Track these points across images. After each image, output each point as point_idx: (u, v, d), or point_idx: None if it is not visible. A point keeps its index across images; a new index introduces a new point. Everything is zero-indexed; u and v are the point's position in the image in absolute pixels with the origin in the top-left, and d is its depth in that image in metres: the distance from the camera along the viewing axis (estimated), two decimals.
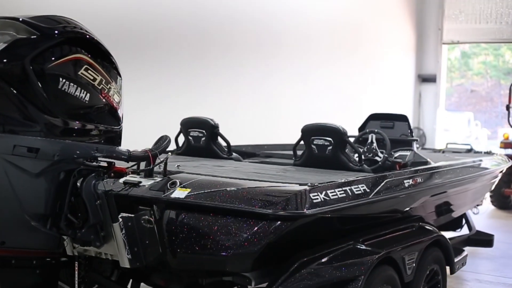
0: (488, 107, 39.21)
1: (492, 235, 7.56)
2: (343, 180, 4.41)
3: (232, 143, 7.41)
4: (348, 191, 4.31)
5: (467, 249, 7.85)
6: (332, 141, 5.19)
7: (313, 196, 3.99)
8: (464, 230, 7.69)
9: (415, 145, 6.18)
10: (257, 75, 10.84)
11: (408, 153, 6.01)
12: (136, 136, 8.08)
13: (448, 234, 7.63)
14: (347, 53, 13.13)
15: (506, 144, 12.47)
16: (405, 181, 4.95)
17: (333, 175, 4.83)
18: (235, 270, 3.99)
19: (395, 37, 15.08)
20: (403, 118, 6.42)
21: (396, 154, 6.05)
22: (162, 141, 4.43)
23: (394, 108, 14.61)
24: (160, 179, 4.29)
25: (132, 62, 8.48)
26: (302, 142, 5.45)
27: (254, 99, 10.73)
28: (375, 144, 5.96)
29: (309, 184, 4.08)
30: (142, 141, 4.90)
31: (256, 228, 3.82)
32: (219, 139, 6.06)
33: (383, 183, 4.67)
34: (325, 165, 5.25)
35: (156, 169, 4.35)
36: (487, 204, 12.30)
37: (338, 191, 4.23)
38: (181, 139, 6.19)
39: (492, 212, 12.30)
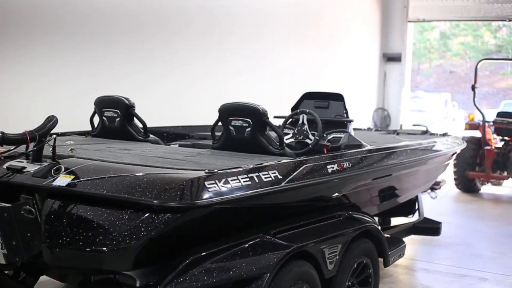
0: (467, 88, 38.87)
1: (439, 223, 7.12)
2: (250, 166, 3.93)
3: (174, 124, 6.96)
4: (255, 178, 3.83)
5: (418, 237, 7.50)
6: (251, 122, 4.71)
7: (209, 184, 3.52)
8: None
9: (351, 127, 5.70)
10: (208, 57, 10.28)
11: (342, 135, 5.55)
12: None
13: (395, 222, 7.29)
14: (307, 31, 12.59)
15: (471, 126, 12.06)
16: (328, 167, 4.48)
17: (248, 160, 4.36)
18: (114, 268, 3.53)
19: (359, 15, 14.54)
20: (339, 98, 5.92)
21: (330, 137, 5.60)
22: (47, 122, 4.00)
23: (357, 88, 14.17)
24: (46, 164, 3.84)
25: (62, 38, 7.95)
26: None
27: (201, 81, 10.19)
28: (306, 126, 5.48)
29: (207, 171, 3.61)
30: None
31: (136, 221, 3.36)
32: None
33: (300, 169, 4.20)
34: (244, 149, 4.77)
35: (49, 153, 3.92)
36: (452, 187, 11.93)
37: (242, 178, 3.76)
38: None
39: (456, 196, 11.91)
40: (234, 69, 10.82)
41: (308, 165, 4.30)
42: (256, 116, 4.69)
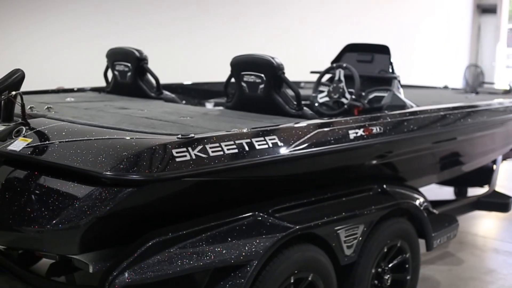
0: None
1: (509, 197, 6.15)
2: (243, 130, 3.25)
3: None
4: (245, 145, 3.16)
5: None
6: (264, 78, 4.01)
7: (178, 152, 2.89)
8: None
9: (396, 84, 4.85)
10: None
11: (385, 94, 4.75)
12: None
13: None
14: None
15: None
16: (350, 132, 3.73)
17: (255, 122, 3.69)
18: (57, 251, 2.97)
19: None
20: (384, 50, 5.07)
21: (371, 96, 4.81)
22: (9, 76, 3.44)
23: (447, 42, 12.95)
24: (13, 124, 3.33)
25: None
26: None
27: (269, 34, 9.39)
28: (343, 83, 4.71)
29: (179, 136, 2.98)
30: None
31: (82, 196, 2.78)
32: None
33: (309, 135, 3.47)
34: (258, 108, 4.10)
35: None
36: None
37: (227, 145, 3.09)
38: None
39: None
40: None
41: (321, 130, 3.56)
42: (270, 70, 3.99)
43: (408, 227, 4.12)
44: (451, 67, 12.83)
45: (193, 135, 3.02)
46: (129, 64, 4.77)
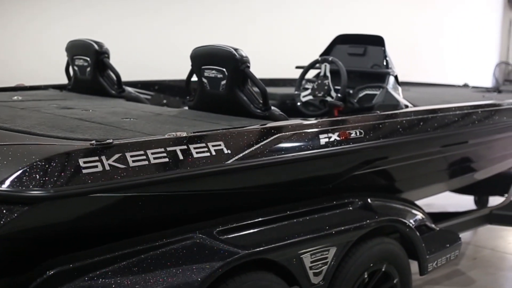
0: None
1: None
2: (181, 134, 2.70)
3: None
4: (179, 153, 2.61)
5: None
6: (226, 73, 3.44)
7: (88, 162, 2.35)
8: None
9: (392, 81, 4.23)
10: None
11: (377, 92, 4.14)
12: None
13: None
14: None
15: None
16: (320, 136, 3.14)
17: (210, 125, 3.13)
18: None
19: None
20: (378, 42, 4.45)
21: (361, 94, 4.21)
22: None
23: (475, 38, 12.18)
24: None
25: None
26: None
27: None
28: (329, 79, 4.11)
29: (93, 142, 2.44)
30: None
31: None
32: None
33: (267, 140, 2.91)
34: (220, 108, 3.54)
35: None
36: None
37: (154, 153, 2.54)
38: None
39: None
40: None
41: (281, 134, 2.99)
42: (232, 64, 3.42)
43: (396, 248, 3.51)
44: (481, 65, 12.10)
45: (110, 140, 2.47)
46: (88, 59, 4.26)
